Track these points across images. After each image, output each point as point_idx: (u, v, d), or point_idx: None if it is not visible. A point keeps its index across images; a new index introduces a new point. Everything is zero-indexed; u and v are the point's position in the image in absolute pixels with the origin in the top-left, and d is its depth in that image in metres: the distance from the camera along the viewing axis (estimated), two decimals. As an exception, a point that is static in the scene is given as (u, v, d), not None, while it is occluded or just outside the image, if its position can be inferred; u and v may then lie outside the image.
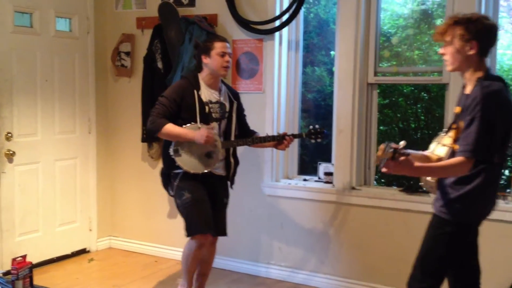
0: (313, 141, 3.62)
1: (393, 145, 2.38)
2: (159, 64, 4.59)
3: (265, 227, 4.42)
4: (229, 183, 3.68)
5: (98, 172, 5.06)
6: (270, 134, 3.90)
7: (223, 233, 3.66)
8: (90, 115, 4.97)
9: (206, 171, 3.43)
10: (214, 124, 3.49)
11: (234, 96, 3.66)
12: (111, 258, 4.93)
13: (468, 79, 2.61)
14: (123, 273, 4.53)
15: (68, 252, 4.86)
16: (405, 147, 2.38)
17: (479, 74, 2.56)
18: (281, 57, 4.34)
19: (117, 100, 5.08)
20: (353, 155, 4.07)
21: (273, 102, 4.31)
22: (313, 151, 4.75)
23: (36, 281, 3.23)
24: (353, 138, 4.06)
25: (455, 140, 2.58)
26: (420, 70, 4.09)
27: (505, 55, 4.03)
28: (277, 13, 4.25)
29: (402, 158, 2.35)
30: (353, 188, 4.09)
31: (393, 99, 4.49)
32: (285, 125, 4.37)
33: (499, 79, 2.60)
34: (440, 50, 2.67)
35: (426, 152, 2.78)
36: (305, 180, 4.41)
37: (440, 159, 2.63)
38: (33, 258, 3.63)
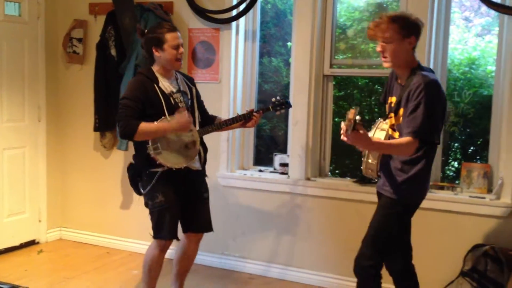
0: (278, 112, 3.56)
1: (352, 112, 2.46)
2: (113, 52, 4.49)
3: (220, 218, 4.40)
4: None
5: (48, 162, 4.93)
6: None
7: (209, 228, 3.55)
8: (40, 103, 4.83)
9: (188, 163, 3.31)
10: (182, 110, 3.34)
11: (190, 82, 3.55)
12: (61, 249, 4.82)
13: (402, 71, 2.82)
14: (74, 264, 4.45)
15: (17, 243, 4.73)
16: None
17: (414, 65, 2.79)
18: (238, 47, 4.32)
19: (68, 87, 4.95)
20: (309, 146, 4.10)
21: (230, 92, 4.29)
22: (268, 142, 4.76)
23: (-18, 274, 3.13)
24: (309, 130, 4.09)
25: (393, 128, 2.85)
26: (375, 63, 4.15)
27: (456, 49, 4.13)
28: (234, 2, 4.23)
29: (362, 130, 2.50)
30: (308, 179, 4.12)
31: (348, 91, 4.55)
32: (241, 115, 4.36)
33: (430, 70, 2.88)
34: (378, 48, 2.79)
35: None
36: (260, 171, 4.42)
37: None
38: (-21, 250, 3.52)
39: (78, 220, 5.04)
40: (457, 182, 3.86)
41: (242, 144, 4.45)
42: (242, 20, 4.28)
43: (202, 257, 4.43)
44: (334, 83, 4.20)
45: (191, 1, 4.30)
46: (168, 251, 3.44)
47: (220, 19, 4.25)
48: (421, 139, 2.67)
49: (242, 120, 3.47)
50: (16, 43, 4.60)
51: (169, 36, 3.24)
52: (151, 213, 3.37)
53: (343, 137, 2.54)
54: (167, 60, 3.28)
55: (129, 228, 4.79)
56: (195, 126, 3.43)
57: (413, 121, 2.66)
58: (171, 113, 3.26)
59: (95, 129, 4.68)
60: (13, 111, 4.62)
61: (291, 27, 4.21)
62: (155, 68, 3.33)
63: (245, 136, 4.45)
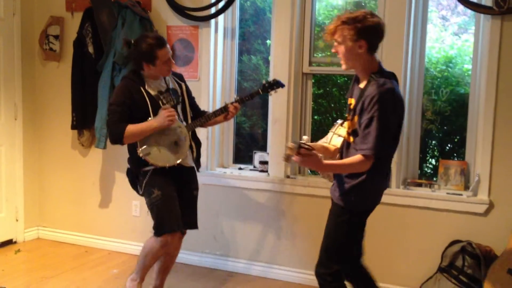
0: (271, 93, 3.51)
1: (291, 145, 2.52)
2: (90, 49, 4.45)
3: (201, 216, 4.37)
4: (195, 168, 3.59)
5: (25, 160, 4.86)
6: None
7: (194, 226, 3.57)
8: (16, 101, 4.76)
9: (179, 160, 3.33)
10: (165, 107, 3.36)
11: (179, 78, 3.56)
12: (39, 249, 4.77)
13: (361, 74, 2.74)
14: (52, 264, 4.40)
15: (-7, 243, 4.67)
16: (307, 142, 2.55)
17: (373, 69, 2.68)
18: (217, 44, 4.30)
19: (45, 85, 4.88)
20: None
21: (209, 90, 4.28)
22: (248, 140, 4.75)
23: (-43, 276, 3.08)
24: (288, 127, 4.09)
25: (350, 133, 2.76)
26: (354, 61, 4.16)
27: (434, 48, 4.17)
28: (213, 0, 4.20)
29: (304, 151, 2.49)
30: (288, 177, 4.13)
31: (327, 89, 4.56)
32: (220, 113, 4.35)
33: (392, 75, 2.74)
34: (333, 49, 2.75)
35: (322, 142, 2.95)
36: (240, 169, 4.42)
37: (336, 150, 2.86)
38: (-46, 252, 3.46)
39: (56, 219, 4.99)
40: (434, 179, 3.91)
41: (221, 142, 4.44)
42: (221, 17, 4.27)
43: (183, 256, 4.40)
44: (313, 81, 4.21)
45: (170, -2, 4.27)
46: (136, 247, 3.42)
47: (199, 17, 4.23)
48: (375, 156, 2.58)
49: (222, 112, 3.46)
50: (-9, 40, 4.53)
51: (160, 53, 3.24)
52: (150, 209, 3.37)
53: (294, 158, 2.52)
54: (158, 73, 3.34)
55: (108, 227, 4.76)
56: (187, 122, 3.46)
57: (366, 137, 2.57)
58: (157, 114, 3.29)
59: (73, 127, 4.63)
60: (-11, 109, 4.55)
61: (270, 25, 4.21)
62: (143, 73, 3.34)
63: (225, 134, 4.44)
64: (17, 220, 4.86)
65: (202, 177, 4.35)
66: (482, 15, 3.59)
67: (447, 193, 3.70)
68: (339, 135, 2.86)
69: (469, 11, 3.89)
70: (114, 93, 3.37)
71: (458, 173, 3.75)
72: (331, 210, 2.89)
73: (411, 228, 3.79)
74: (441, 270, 3.61)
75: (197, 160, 3.55)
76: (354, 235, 2.86)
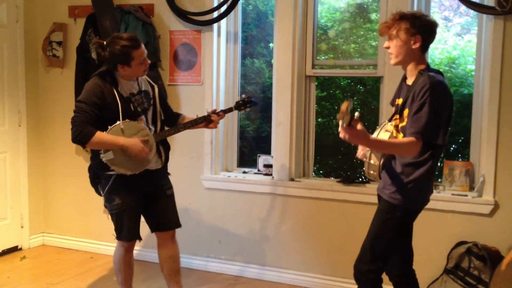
0: (242, 111, 3.54)
1: (346, 105, 2.38)
2: (93, 55, 4.45)
3: (205, 220, 4.39)
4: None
5: (30, 167, 4.87)
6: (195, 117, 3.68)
7: (177, 225, 3.53)
8: (20, 107, 4.77)
9: (143, 169, 3.25)
10: (142, 118, 3.29)
11: (153, 79, 3.46)
12: (44, 255, 4.77)
13: (410, 72, 2.75)
14: (57, 270, 4.40)
15: (-2, 250, 4.68)
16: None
17: (422, 67, 2.72)
18: (220, 48, 4.31)
19: (49, 91, 4.89)
20: (292, 147, 4.10)
21: (212, 95, 4.28)
22: (252, 143, 4.75)
23: (-37, 283, 3.08)
24: (292, 130, 4.09)
25: (398, 129, 2.76)
26: (356, 63, 4.17)
27: (436, 49, 4.17)
28: (215, 4, 4.22)
29: (359, 126, 2.42)
30: (292, 180, 4.13)
31: (331, 91, 4.56)
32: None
33: (439, 72, 2.79)
34: (385, 44, 2.76)
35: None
36: (244, 172, 4.41)
37: None
38: (-41, 258, 3.46)
39: (61, 226, 4.99)
40: (439, 180, 3.89)
41: (225, 146, 4.45)
42: (223, 21, 4.27)
43: (187, 260, 4.41)
44: (316, 83, 4.21)
45: (172, 3, 4.28)
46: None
47: (201, 21, 4.24)
48: (424, 140, 2.58)
49: (202, 122, 3.41)
50: (-5, 47, 4.55)
51: (136, 53, 3.14)
52: (110, 215, 3.37)
53: (341, 135, 2.44)
54: (133, 74, 3.24)
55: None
56: (156, 125, 3.37)
57: (416, 121, 2.58)
58: (130, 118, 3.20)
59: (77, 133, 4.62)
60: (-7, 116, 4.57)
61: (272, 29, 4.22)
62: (117, 73, 3.23)
63: (229, 138, 4.44)
64: (22, 227, 4.86)
65: (206, 182, 4.36)
66: (484, 16, 3.58)
67: (452, 194, 3.69)
68: (387, 130, 2.83)
69: (471, 12, 3.89)
70: (84, 90, 3.18)
71: (463, 174, 3.74)
72: (380, 207, 2.87)
73: (416, 229, 3.75)
74: (447, 271, 3.60)
75: (165, 164, 3.45)
76: (401, 234, 2.85)
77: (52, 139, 4.93)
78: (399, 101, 2.81)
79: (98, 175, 3.34)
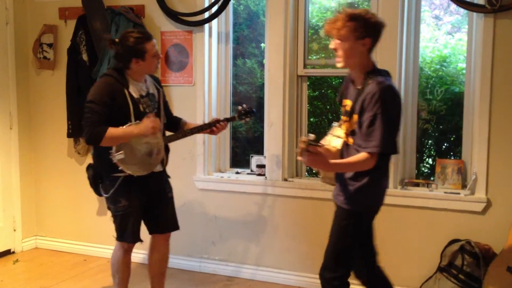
0: (243, 121, 3.61)
1: (305, 138, 2.45)
2: (84, 57, 4.44)
3: (198, 221, 4.39)
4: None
5: (21, 170, 4.85)
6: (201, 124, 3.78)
7: (175, 227, 3.54)
8: (11, 110, 4.75)
9: (150, 171, 3.27)
10: (150, 115, 3.29)
11: (158, 82, 3.49)
12: (37, 258, 4.75)
13: (357, 74, 2.70)
14: (50, 273, 4.38)
15: (-9, 254, 4.66)
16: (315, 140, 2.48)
17: (368, 68, 2.67)
18: (211, 49, 4.30)
19: (40, 93, 4.87)
20: (285, 147, 4.10)
21: (204, 95, 4.28)
22: (245, 143, 4.75)
23: (-45, 287, 3.07)
24: (284, 130, 4.09)
25: (348, 134, 2.73)
26: (348, 63, 4.16)
27: (427, 47, 4.18)
28: (206, 4, 4.21)
29: (313, 149, 2.43)
30: (286, 180, 4.13)
31: (323, 91, 4.56)
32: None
33: (386, 72, 2.74)
34: (331, 45, 2.69)
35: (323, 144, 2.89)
36: (237, 173, 4.41)
37: (338, 151, 2.78)
38: (-49, 263, 3.44)
39: (53, 228, 4.97)
40: (432, 178, 3.91)
41: (218, 146, 4.44)
42: (214, 22, 4.27)
43: (181, 262, 4.40)
44: (308, 83, 4.21)
45: (163, 4, 4.27)
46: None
47: (192, 22, 4.23)
48: (382, 153, 2.56)
49: (207, 128, 3.47)
50: (-15, 50, 4.53)
51: (149, 46, 3.18)
52: (113, 216, 3.36)
53: (299, 158, 2.48)
54: (148, 68, 3.26)
55: (106, 235, 4.73)
56: (161, 129, 3.38)
57: (371, 136, 2.55)
58: (138, 119, 3.20)
59: (69, 135, 4.62)
60: (-16, 119, 4.55)
61: (264, 29, 4.22)
62: (128, 72, 3.24)
63: (221, 139, 4.44)
64: (14, 230, 4.84)
65: (199, 183, 4.35)
66: (475, 14, 3.60)
67: (445, 192, 3.70)
68: (338, 136, 2.83)
69: (462, 10, 3.90)
70: (94, 90, 3.18)
71: (455, 172, 3.75)
72: (336, 214, 2.84)
73: (410, 228, 3.78)
74: (440, 269, 3.61)
75: (164, 168, 3.47)
76: (360, 238, 2.84)
77: (44, 141, 4.91)
78: (347, 102, 2.77)
79: (101, 175, 3.33)
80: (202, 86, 4.27)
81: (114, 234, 3.39)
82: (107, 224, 4.73)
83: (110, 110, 3.13)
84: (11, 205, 4.80)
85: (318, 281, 4.02)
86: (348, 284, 2.83)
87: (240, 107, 3.58)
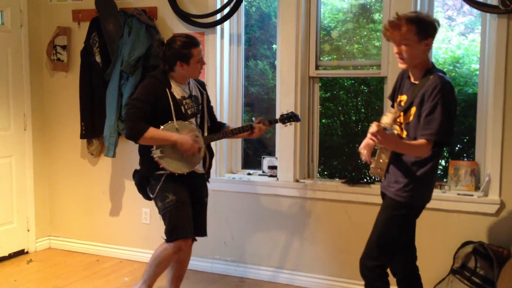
0: (286, 125, 3.61)
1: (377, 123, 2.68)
2: (98, 58, 4.47)
3: (210, 222, 4.37)
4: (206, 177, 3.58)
5: (35, 170, 4.89)
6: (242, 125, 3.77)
7: (204, 233, 3.57)
8: (26, 111, 4.79)
9: (191, 170, 3.32)
10: (192, 121, 3.37)
11: (202, 86, 3.56)
12: (51, 258, 4.78)
13: (417, 71, 2.79)
14: (64, 273, 4.41)
15: (5, 254, 4.69)
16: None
17: (428, 66, 2.78)
18: (223, 50, 4.31)
19: (53, 95, 4.91)
20: (297, 148, 4.10)
21: (216, 96, 4.28)
22: (256, 145, 4.75)
23: (-30, 286, 3.10)
24: (296, 132, 4.09)
25: (402, 127, 2.82)
26: (360, 64, 4.16)
27: (440, 48, 4.16)
28: (218, 6, 4.22)
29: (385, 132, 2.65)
30: (297, 181, 4.13)
31: (335, 92, 4.56)
32: (228, 119, 4.35)
33: (443, 71, 2.83)
34: (395, 50, 2.77)
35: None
36: (249, 174, 4.41)
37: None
38: (-34, 263, 3.48)
39: (67, 229, 5.01)
40: (445, 180, 3.88)
41: (230, 147, 4.45)
42: (226, 23, 4.28)
43: (193, 262, 4.40)
44: (320, 84, 4.20)
45: (175, 6, 4.29)
46: (149, 255, 3.40)
47: (204, 23, 4.25)
48: (438, 141, 2.66)
49: (249, 130, 3.49)
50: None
51: (195, 51, 3.26)
52: (163, 215, 3.35)
53: (370, 137, 2.64)
54: (191, 73, 3.34)
55: (119, 235, 4.77)
56: (203, 131, 3.45)
57: (430, 123, 2.64)
58: (180, 119, 3.29)
59: (82, 137, 4.65)
60: (-2, 121, 4.59)
61: (275, 30, 4.22)
62: (172, 75, 3.33)
63: (233, 140, 4.44)
64: (28, 230, 4.88)
65: (211, 183, 4.35)
66: (488, 15, 3.57)
67: (458, 194, 3.68)
68: (389, 124, 2.88)
69: (475, 11, 3.88)
70: (139, 89, 3.33)
71: (468, 174, 3.73)
72: (385, 204, 2.92)
73: (422, 230, 3.75)
74: (453, 271, 3.58)
75: (208, 171, 3.53)
76: (406, 231, 2.91)
77: (57, 142, 4.95)
78: (402, 97, 2.86)
79: (147, 178, 3.39)
80: (214, 88, 4.28)
81: (163, 235, 3.36)
82: (119, 225, 4.76)
83: (153, 109, 3.23)
84: (25, 206, 4.84)
85: (329, 282, 4.05)
86: (387, 274, 2.90)
87: (284, 112, 3.61)
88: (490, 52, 3.58)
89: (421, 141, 2.67)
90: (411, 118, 2.76)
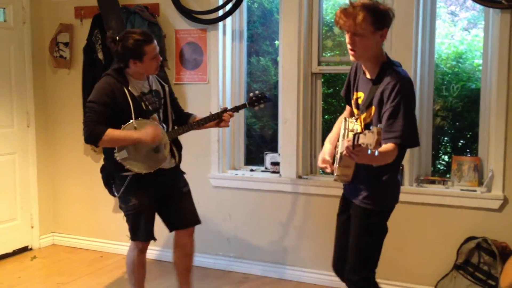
0: (256, 108, 3.50)
1: (350, 139, 2.35)
2: (100, 55, 4.47)
3: (213, 218, 4.40)
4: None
5: (39, 167, 4.90)
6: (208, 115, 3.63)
7: (196, 221, 3.50)
8: (29, 109, 4.80)
9: (157, 168, 3.26)
10: (155, 116, 3.30)
11: (163, 79, 3.46)
12: (54, 255, 4.80)
13: (372, 64, 2.60)
14: (67, 270, 4.43)
15: (9, 250, 4.71)
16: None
17: (383, 59, 2.60)
18: (225, 47, 4.31)
19: (56, 92, 4.92)
20: (299, 145, 4.10)
21: (218, 93, 4.29)
22: (259, 141, 4.75)
23: (-25, 283, 3.11)
24: (299, 128, 4.09)
25: (363, 127, 2.62)
26: (363, 59, 4.15)
27: (443, 44, 4.14)
28: (220, 2, 4.22)
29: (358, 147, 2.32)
30: (300, 177, 4.13)
31: (337, 88, 4.55)
32: (230, 115, 4.35)
33: (399, 64, 2.66)
34: (348, 39, 2.54)
35: (340, 141, 2.77)
36: (252, 170, 4.42)
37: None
38: (-29, 260, 3.49)
39: (70, 225, 5.02)
40: (448, 175, 3.88)
41: (232, 144, 4.45)
42: (228, 20, 4.27)
43: (196, 258, 4.39)
44: (322, 80, 4.20)
45: (177, 2, 4.29)
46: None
47: (206, 20, 4.24)
48: (404, 144, 2.49)
49: (215, 119, 3.39)
50: (2, 49, 4.57)
51: (148, 48, 3.14)
52: (126, 215, 3.36)
53: (345, 153, 2.36)
54: (145, 70, 3.23)
55: (122, 232, 4.74)
56: (168, 125, 3.38)
57: (394, 126, 2.46)
58: (140, 117, 3.19)
59: (85, 134, 4.65)
60: (2, 118, 4.60)
61: (278, 26, 4.21)
62: (128, 71, 3.23)
63: (236, 136, 4.45)
64: (32, 227, 4.90)
65: (213, 180, 4.37)
66: (491, 10, 3.56)
67: (461, 190, 3.68)
68: (352, 130, 2.68)
69: (478, 6, 3.87)
70: (95, 90, 3.17)
71: (472, 169, 3.72)
72: (354, 214, 2.75)
73: (426, 225, 3.76)
74: (457, 267, 3.58)
75: (179, 164, 3.45)
76: (383, 235, 2.75)
77: (61, 139, 4.96)
78: (359, 94, 2.68)
79: (113, 176, 3.34)
80: (216, 84, 4.28)
81: (128, 234, 3.41)
82: (123, 221, 4.76)
83: (111, 110, 3.13)
84: (29, 202, 4.86)
85: (332, 278, 4.03)
86: (376, 284, 2.78)
87: (251, 94, 3.47)
88: (493, 47, 3.57)
89: (389, 146, 2.45)
90: (369, 119, 2.60)
